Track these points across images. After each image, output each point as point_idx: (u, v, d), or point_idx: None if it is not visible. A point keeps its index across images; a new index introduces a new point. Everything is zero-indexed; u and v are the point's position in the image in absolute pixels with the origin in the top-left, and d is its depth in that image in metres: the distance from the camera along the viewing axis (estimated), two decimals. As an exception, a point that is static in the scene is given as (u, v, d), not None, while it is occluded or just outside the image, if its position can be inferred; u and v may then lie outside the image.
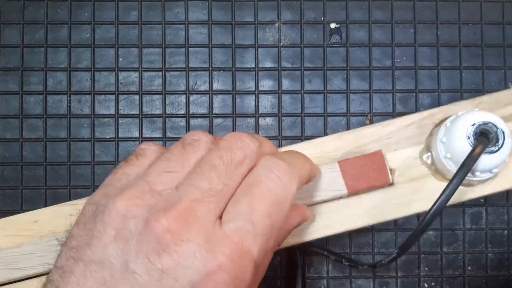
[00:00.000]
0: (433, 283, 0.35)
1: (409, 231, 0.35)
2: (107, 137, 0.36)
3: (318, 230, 0.29)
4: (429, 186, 0.30)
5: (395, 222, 0.35)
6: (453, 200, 0.28)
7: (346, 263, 0.33)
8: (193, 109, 0.36)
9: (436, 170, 0.30)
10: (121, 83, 0.36)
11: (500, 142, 0.27)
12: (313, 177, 0.27)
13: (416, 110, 0.36)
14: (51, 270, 0.23)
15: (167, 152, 0.25)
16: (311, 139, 0.30)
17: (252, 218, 0.22)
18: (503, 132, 0.27)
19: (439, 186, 0.29)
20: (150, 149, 0.26)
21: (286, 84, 0.36)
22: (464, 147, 0.27)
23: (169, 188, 0.23)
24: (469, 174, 0.27)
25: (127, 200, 0.22)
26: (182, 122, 0.36)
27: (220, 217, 0.22)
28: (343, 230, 0.29)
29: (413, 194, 0.30)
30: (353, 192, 0.29)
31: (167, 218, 0.21)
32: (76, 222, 0.23)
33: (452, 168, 0.28)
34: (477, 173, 0.28)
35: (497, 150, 0.27)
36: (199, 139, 0.25)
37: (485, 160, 0.27)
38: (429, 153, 0.30)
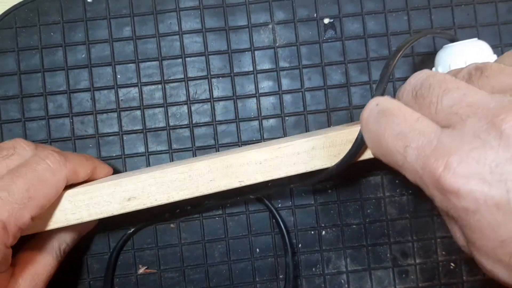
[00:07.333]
0: (452, 265, 0.36)
1: (422, 218, 0.36)
2: (114, 155, 0.36)
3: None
4: None
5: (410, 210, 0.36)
6: None
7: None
8: (196, 119, 0.36)
9: None
10: (121, 100, 0.36)
11: None
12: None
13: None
14: None
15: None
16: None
17: None
18: None
19: None
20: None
21: (286, 84, 0.36)
22: None
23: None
24: None
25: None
26: (186, 132, 0.36)
27: None
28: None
29: None
30: None
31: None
32: None
33: None
34: None
35: None
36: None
37: None
38: None
